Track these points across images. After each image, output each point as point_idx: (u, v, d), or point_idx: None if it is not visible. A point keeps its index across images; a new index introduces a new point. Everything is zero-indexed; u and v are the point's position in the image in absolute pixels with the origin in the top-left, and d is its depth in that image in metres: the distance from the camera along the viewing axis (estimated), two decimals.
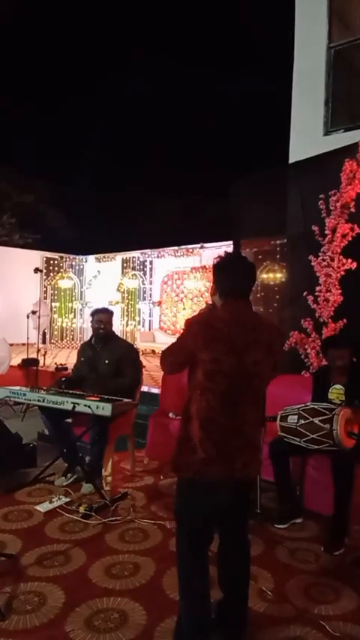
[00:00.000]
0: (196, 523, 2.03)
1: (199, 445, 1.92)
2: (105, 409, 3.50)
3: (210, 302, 2.19)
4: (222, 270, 2.10)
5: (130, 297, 13.27)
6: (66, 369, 7.27)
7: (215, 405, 1.93)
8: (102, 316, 4.14)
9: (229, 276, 2.07)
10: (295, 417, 3.30)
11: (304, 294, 4.66)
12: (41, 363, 7.90)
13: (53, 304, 13.86)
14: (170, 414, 4.35)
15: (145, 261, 12.98)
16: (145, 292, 12.97)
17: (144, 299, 12.94)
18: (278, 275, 6.45)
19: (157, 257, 12.76)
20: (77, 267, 14.42)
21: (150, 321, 12.98)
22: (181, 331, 2.06)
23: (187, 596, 2.03)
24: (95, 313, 4.21)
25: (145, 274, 12.99)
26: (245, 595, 2.15)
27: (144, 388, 5.10)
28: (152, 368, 9.00)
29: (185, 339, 2.00)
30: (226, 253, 2.24)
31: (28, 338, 8.03)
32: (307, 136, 5.44)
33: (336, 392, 3.50)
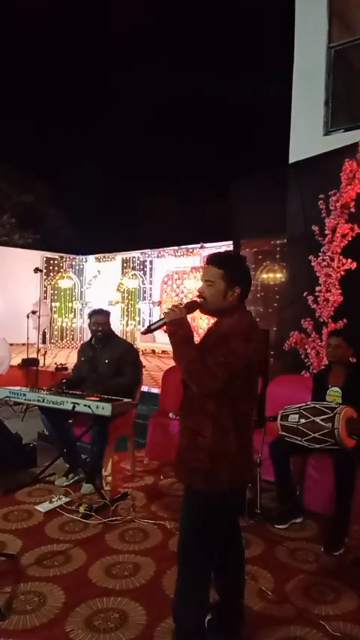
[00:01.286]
0: (217, 530, 1.99)
1: (237, 454, 1.89)
2: (105, 409, 3.50)
3: (199, 299, 2.00)
4: (244, 272, 2.02)
5: (130, 297, 13.26)
6: (66, 369, 7.27)
7: (250, 410, 1.96)
8: (98, 318, 4.13)
9: (249, 280, 2.03)
10: (296, 415, 3.30)
11: (304, 294, 4.66)
12: (41, 363, 7.90)
13: (53, 304, 13.86)
14: (170, 414, 4.35)
15: (145, 261, 12.97)
16: (145, 292, 12.96)
17: (144, 299, 12.94)
18: (278, 275, 6.44)
19: (157, 257, 12.76)
20: (77, 267, 14.41)
21: (150, 321, 12.97)
22: (233, 342, 1.84)
23: (197, 597, 2.00)
24: (92, 315, 4.20)
25: (145, 274, 12.99)
26: (242, 593, 2.15)
27: (144, 388, 5.10)
28: (152, 368, 9.00)
29: (245, 348, 1.84)
30: (236, 254, 2.18)
31: (28, 338, 8.03)
32: (307, 136, 5.44)
33: (333, 394, 3.50)
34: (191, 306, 2.01)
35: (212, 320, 2.09)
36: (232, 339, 1.85)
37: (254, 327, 1.95)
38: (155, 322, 2.06)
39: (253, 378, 1.95)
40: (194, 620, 2.01)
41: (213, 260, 2.01)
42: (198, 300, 2.02)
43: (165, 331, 1.97)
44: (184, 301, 2.05)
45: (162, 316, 2.01)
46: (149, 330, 2.07)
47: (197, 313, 2.07)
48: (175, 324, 1.94)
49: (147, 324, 12.91)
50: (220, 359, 1.81)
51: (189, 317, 2.01)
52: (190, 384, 1.89)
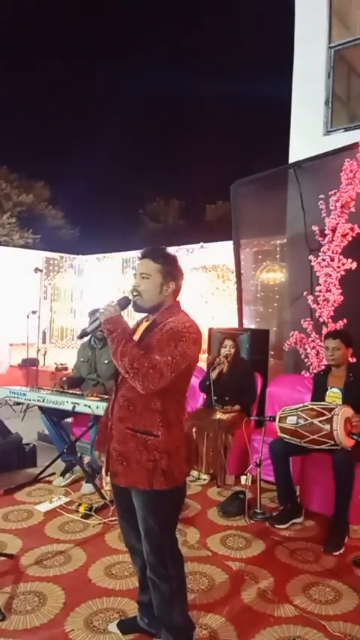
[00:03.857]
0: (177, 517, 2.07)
1: (182, 448, 1.94)
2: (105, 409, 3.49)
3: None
4: (179, 269, 2.01)
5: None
6: (66, 369, 7.28)
7: (185, 403, 2.01)
8: None
9: (182, 278, 2.03)
10: (294, 417, 3.29)
11: (304, 294, 4.67)
12: (41, 363, 7.90)
13: (53, 304, 13.86)
14: None
15: None
16: None
17: None
18: (278, 275, 6.45)
19: None
20: (77, 267, 14.42)
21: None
22: (184, 344, 1.84)
23: (185, 590, 2.04)
24: (92, 314, 4.20)
25: None
26: None
27: None
28: None
29: (194, 351, 1.90)
30: (171, 252, 2.03)
31: (28, 338, 8.03)
32: (307, 136, 5.44)
33: (333, 395, 3.49)
34: (124, 303, 1.95)
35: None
36: (183, 340, 1.84)
37: (199, 329, 1.95)
38: (90, 324, 2.00)
39: (190, 375, 2.01)
40: (186, 617, 2.01)
41: (149, 254, 1.97)
42: (130, 296, 1.97)
43: (101, 331, 1.94)
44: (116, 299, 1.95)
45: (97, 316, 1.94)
46: (85, 334, 2.02)
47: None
48: (112, 323, 1.88)
49: None
50: (168, 358, 1.80)
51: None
52: (134, 382, 1.85)
